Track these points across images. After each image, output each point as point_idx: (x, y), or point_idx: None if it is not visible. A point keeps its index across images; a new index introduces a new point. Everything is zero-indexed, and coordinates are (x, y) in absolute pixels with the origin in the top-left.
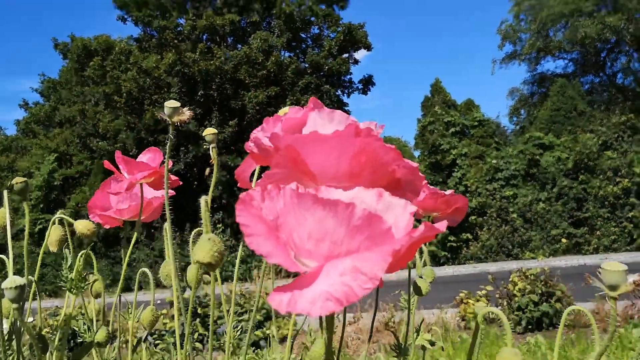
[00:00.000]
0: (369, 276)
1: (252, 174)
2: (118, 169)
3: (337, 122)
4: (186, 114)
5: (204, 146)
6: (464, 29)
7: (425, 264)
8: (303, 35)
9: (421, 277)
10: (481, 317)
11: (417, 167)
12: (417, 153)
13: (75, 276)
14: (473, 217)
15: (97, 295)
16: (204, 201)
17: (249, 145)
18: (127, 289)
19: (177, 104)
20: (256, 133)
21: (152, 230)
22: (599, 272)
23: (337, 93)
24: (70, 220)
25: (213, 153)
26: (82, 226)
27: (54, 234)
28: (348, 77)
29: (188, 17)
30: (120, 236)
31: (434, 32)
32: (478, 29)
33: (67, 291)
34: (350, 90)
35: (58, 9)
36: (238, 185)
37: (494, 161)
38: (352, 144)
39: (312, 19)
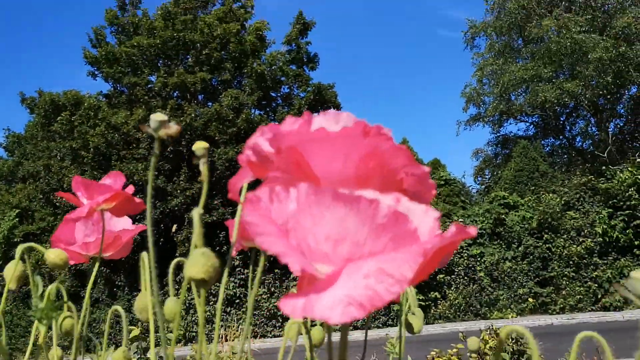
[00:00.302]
0: (396, 278)
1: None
2: (75, 195)
3: (343, 122)
4: (173, 128)
5: (172, 202)
6: (430, 91)
7: (410, 307)
8: (273, 94)
9: (413, 313)
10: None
11: (428, 173)
12: None
13: (46, 304)
14: (441, 276)
15: (67, 333)
16: (197, 214)
17: (246, 154)
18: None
19: (164, 117)
20: (255, 139)
21: (115, 289)
22: (627, 282)
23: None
24: (41, 248)
25: (204, 169)
26: (54, 255)
27: (13, 269)
28: None
29: (159, 75)
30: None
31: (401, 93)
32: (444, 91)
33: (37, 321)
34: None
35: (27, 64)
36: (229, 196)
37: (461, 220)
38: (359, 145)
39: (283, 78)
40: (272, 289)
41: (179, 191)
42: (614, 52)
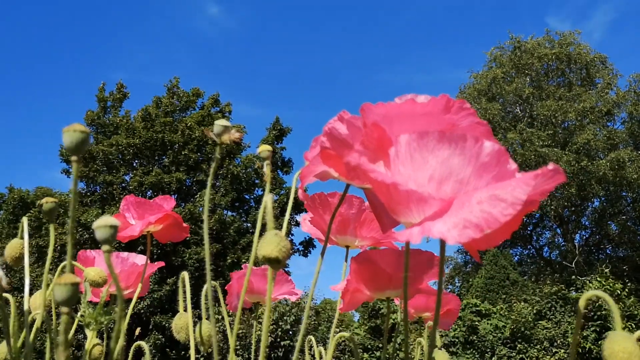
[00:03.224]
0: (509, 202)
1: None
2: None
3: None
4: (236, 134)
5: (138, 304)
6: None
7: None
8: (247, 197)
9: (440, 348)
10: None
11: (502, 151)
12: (356, 317)
13: (99, 309)
14: None
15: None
16: (270, 198)
17: (320, 141)
18: None
19: (227, 122)
20: (332, 123)
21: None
22: None
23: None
24: (80, 266)
25: (267, 169)
26: (94, 273)
27: (39, 299)
28: (290, 238)
29: (135, 174)
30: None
31: None
32: None
33: (85, 327)
34: (291, 251)
35: None
36: (299, 187)
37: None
38: (440, 120)
39: (257, 181)
40: None
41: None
42: (576, 165)
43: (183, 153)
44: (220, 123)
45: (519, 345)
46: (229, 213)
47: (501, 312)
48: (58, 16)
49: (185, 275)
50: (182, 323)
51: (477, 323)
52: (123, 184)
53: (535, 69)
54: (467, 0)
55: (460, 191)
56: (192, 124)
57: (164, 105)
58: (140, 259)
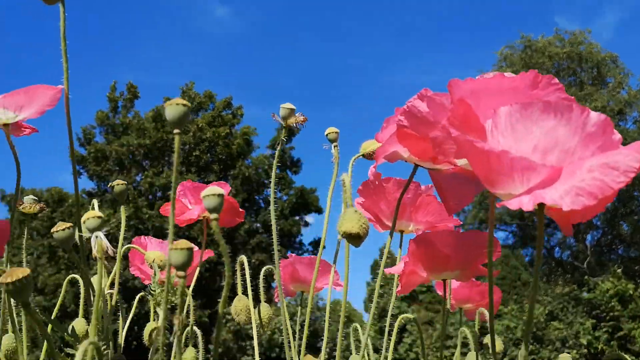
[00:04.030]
0: (622, 170)
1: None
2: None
3: (510, 78)
4: (300, 117)
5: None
6: None
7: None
8: (257, 198)
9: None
10: None
11: (608, 121)
12: (366, 317)
13: (167, 286)
14: None
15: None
16: (348, 178)
17: (397, 120)
18: None
19: (293, 106)
20: (412, 102)
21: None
22: None
23: (288, 253)
24: (141, 250)
25: (335, 151)
26: (154, 257)
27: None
28: (299, 238)
29: (146, 175)
30: None
31: None
32: None
33: (156, 305)
34: (300, 251)
35: (8, 162)
36: (373, 167)
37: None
38: (527, 96)
39: (267, 181)
40: None
41: None
42: None
43: (194, 154)
44: (286, 106)
45: (530, 347)
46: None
47: (512, 313)
48: (68, 17)
49: (243, 258)
50: (242, 305)
51: (487, 324)
52: (134, 184)
53: (546, 68)
54: (471, 1)
55: (566, 161)
56: (204, 125)
57: None
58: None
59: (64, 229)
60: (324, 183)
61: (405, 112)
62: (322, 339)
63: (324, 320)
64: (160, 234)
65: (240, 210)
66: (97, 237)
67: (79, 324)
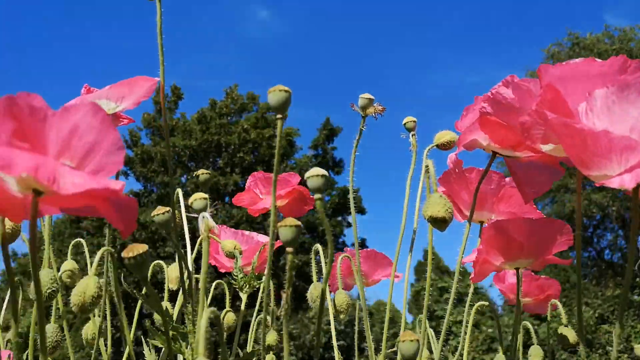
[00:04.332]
0: None
1: None
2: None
3: (599, 64)
4: (379, 107)
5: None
6: None
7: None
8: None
9: (566, 325)
10: None
11: None
12: (410, 318)
13: (251, 274)
14: None
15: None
16: (431, 164)
17: (480, 107)
18: None
19: (371, 96)
20: (496, 89)
21: None
22: None
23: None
24: (217, 238)
25: (413, 140)
26: (230, 244)
27: (174, 271)
28: (341, 239)
29: (191, 176)
30: None
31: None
32: None
33: (239, 290)
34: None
35: None
36: (454, 155)
37: (490, 330)
38: (614, 80)
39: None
40: None
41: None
42: None
43: (238, 155)
44: (364, 96)
45: (580, 350)
46: (280, 215)
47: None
48: (112, 23)
49: (318, 247)
50: (318, 292)
51: (536, 327)
52: (179, 185)
53: None
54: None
55: None
56: (248, 127)
57: (219, 108)
58: (262, 238)
59: (163, 213)
60: (367, 184)
61: (489, 99)
62: (365, 340)
63: (368, 321)
64: None
65: (310, 197)
66: (203, 217)
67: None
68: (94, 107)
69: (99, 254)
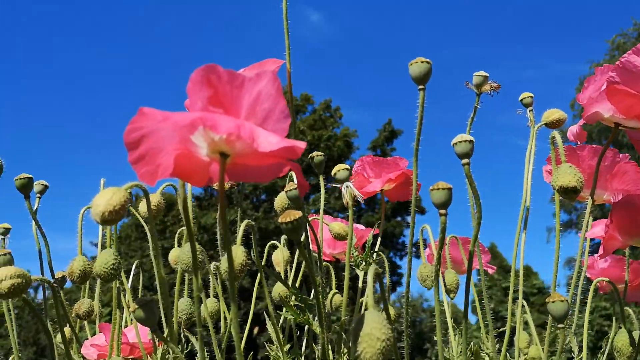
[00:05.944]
0: None
1: None
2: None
3: None
4: (494, 84)
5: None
6: (519, 196)
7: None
8: (358, 200)
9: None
10: None
11: None
12: (474, 318)
13: (367, 251)
14: None
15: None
16: (558, 136)
17: (608, 77)
18: None
19: (486, 73)
20: (626, 57)
21: None
22: None
23: (389, 255)
24: (326, 222)
25: (530, 115)
26: (338, 227)
27: (279, 255)
28: (401, 239)
29: None
30: None
31: (488, 197)
32: (533, 196)
33: (355, 267)
34: (403, 252)
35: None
36: (578, 126)
37: (558, 331)
38: None
39: None
40: None
41: (264, 294)
42: None
43: None
44: (479, 74)
45: None
46: (340, 215)
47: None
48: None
49: (427, 227)
50: (427, 271)
51: (607, 328)
52: (238, 188)
53: None
54: None
55: None
56: (305, 128)
57: None
58: (360, 226)
59: (295, 188)
60: (426, 183)
61: (618, 68)
62: (427, 341)
63: (429, 322)
64: (266, 235)
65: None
66: (347, 186)
67: (278, 288)
68: (274, 76)
69: (242, 225)
